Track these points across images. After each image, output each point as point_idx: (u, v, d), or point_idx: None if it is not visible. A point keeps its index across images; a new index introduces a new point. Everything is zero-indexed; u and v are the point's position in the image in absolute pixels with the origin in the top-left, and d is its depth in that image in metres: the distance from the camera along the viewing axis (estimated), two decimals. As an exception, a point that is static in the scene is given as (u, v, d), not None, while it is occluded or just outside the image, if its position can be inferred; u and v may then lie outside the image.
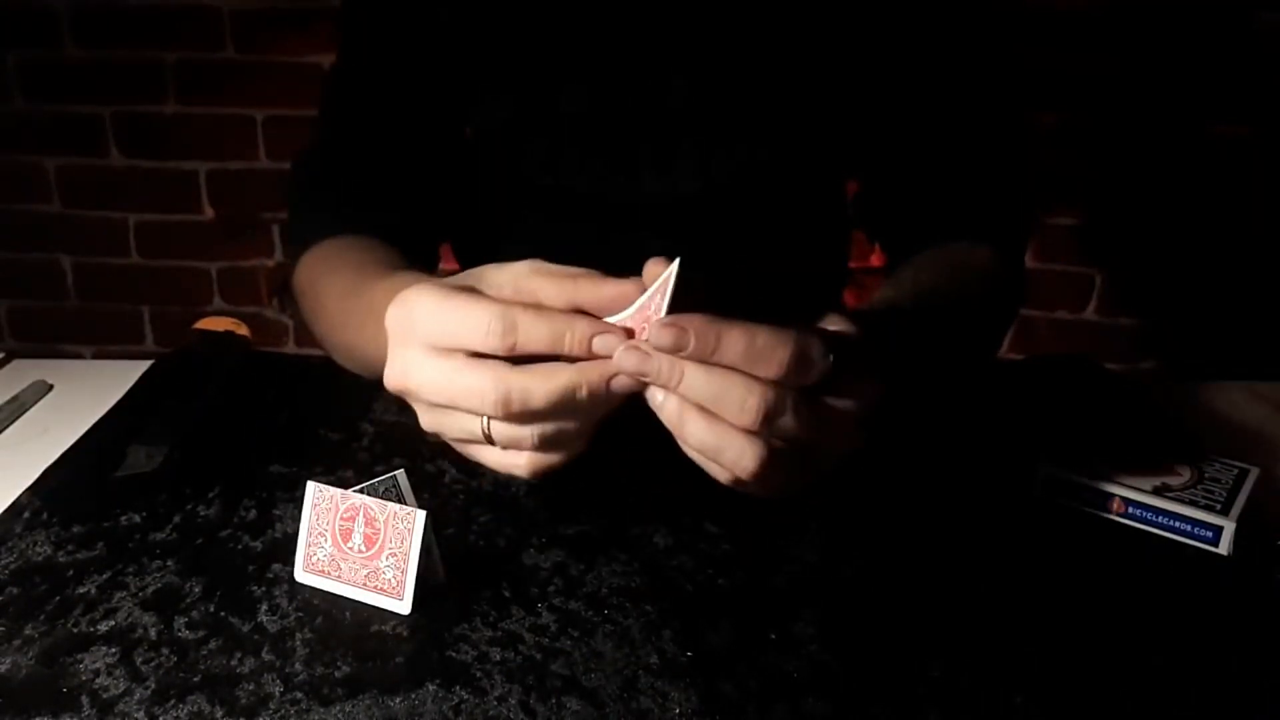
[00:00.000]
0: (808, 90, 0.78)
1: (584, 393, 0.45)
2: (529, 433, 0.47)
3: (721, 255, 0.81)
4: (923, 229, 0.80)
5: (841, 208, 0.92)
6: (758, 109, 0.78)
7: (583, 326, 0.45)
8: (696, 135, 0.78)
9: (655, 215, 0.80)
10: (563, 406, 0.46)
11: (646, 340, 0.45)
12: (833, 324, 0.48)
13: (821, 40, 0.77)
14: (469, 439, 0.49)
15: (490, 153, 0.81)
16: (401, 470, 0.53)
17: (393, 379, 0.49)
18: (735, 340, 0.44)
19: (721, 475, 0.47)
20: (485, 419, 0.47)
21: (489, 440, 0.48)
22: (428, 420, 0.50)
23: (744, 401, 0.44)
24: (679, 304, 0.45)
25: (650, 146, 0.79)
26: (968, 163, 0.80)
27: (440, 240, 0.87)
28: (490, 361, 0.46)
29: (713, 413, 0.45)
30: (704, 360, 0.44)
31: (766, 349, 0.44)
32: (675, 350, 0.44)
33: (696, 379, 0.44)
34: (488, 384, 0.45)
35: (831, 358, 0.45)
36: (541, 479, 0.50)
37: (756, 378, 0.44)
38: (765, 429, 0.44)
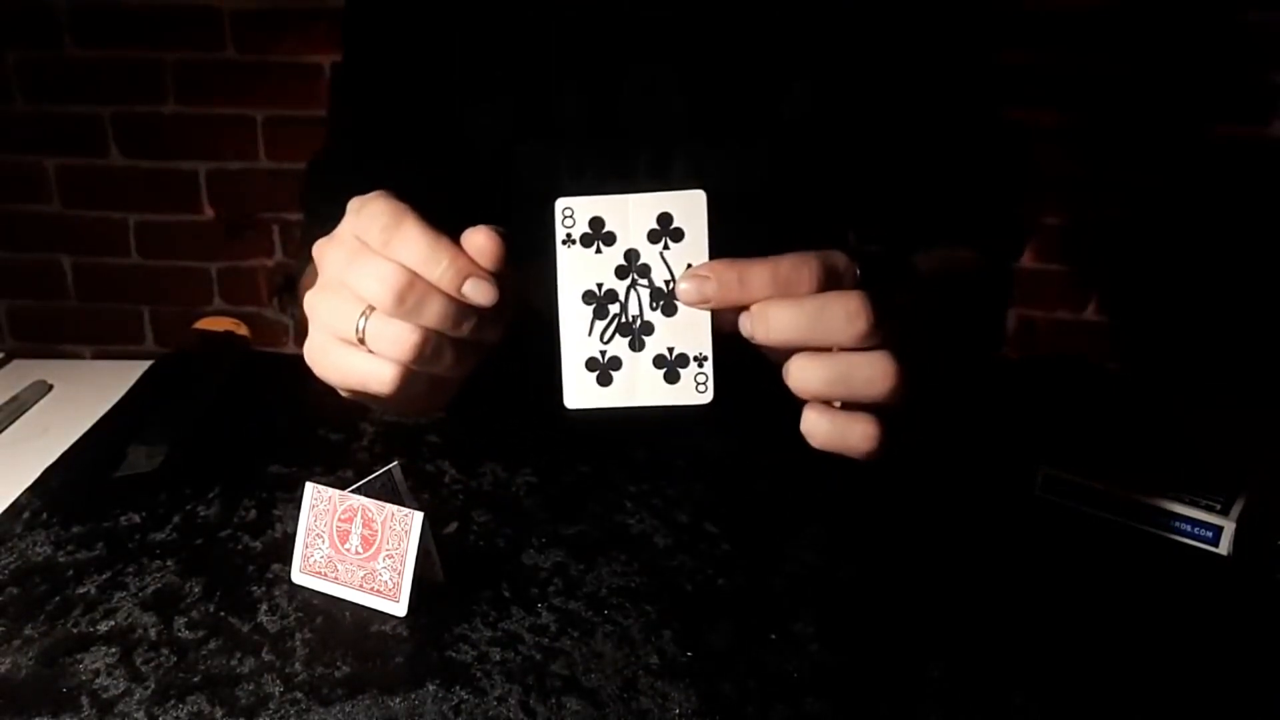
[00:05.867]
0: (801, 98, 0.78)
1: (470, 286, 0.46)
2: (410, 332, 0.47)
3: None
4: (912, 237, 0.80)
5: (841, 218, 0.92)
6: (752, 116, 0.78)
7: (458, 270, 0.46)
8: (692, 142, 0.78)
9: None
10: (453, 310, 0.47)
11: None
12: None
13: (816, 49, 0.78)
14: (340, 336, 0.49)
15: (489, 159, 0.81)
16: (396, 464, 0.53)
17: (321, 241, 0.50)
18: (759, 273, 0.45)
19: (864, 440, 0.47)
20: (365, 315, 0.47)
21: (361, 341, 0.48)
22: (310, 301, 0.50)
23: (848, 309, 0.45)
24: None
25: (646, 153, 0.79)
26: (960, 173, 0.80)
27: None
28: None
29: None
30: (731, 301, 0.45)
31: (793, 270, 0.45)
32: (701, 301, 0.45)
33: (783, 315, 0.45)
34: (388, 266, 0.46)
35: (857, 267, 0.46)
36: (400, 403, 0.49)
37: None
38: (878, 335, 0.45)
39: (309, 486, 0.51)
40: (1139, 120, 1.67)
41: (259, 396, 0.73)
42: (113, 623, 0.49)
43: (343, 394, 0.52)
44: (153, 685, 0.46)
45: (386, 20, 0.80)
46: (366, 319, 0.47)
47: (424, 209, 0.49)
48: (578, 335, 0.47)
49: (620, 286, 0.47)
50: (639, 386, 0.47)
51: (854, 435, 0.46)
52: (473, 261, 0.47)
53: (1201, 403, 0.75)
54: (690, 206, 0.47)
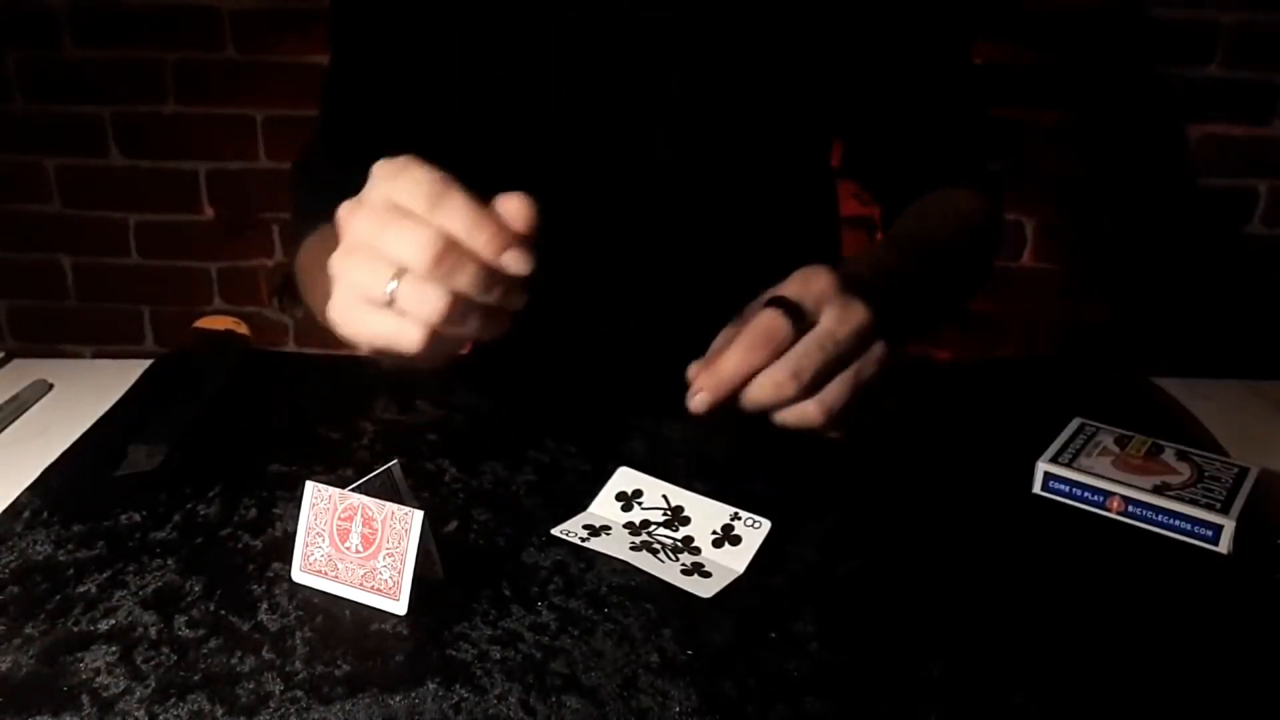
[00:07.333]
0: (777, 53, 0.79)
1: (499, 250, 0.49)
2: (441, 296, 0.48)
3: (702, 228, 0.82)
4: (905, 179, 0.84)
5: (827, 190, 0.93)
6: (730, 73, 0.78)
7: (499, 239, 0.48)
8: (672, 100, 0.79)
9: (636, 185, 0.80)
10: (484, 276, 0.49)
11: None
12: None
13: (813, 47, 0.78)
14: (368, 297, 0.50)
15: (474, 132, 0.81)
16: (396, 462, 0.53)
17: (348, 204, 0.51)
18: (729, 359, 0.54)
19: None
20: (397, 278, 0.48)
21: (389, 304, 0.49)
22: (338, 265, 0.51)
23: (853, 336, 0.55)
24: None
25: (628, 115, 0.79)
26: (936, 112, 0.83)
27: None
28: None
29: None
30: (737, 386, 0.54)
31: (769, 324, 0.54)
32: (714, 405, 0.54)
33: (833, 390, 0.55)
34: (429, 231, 0.48)
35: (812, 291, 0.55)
36: (427, 360, 0.51)
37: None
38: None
39: (309, 485, 0.51)
40: (1139, 120, 1.67)
41: (259, 396, 0.73)
42: (113, 621, 0.50)
43: (363, 350, 0.53)
44: (153, 684, 0.46)
45: (384, 19, 0.80)
46: (398, 281, 0.48)
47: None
48: (659, 569, 0.53)
49: (642, 548, 0.55)
50: (730, 563, 0.54)
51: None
52: (511, 233, 0.49)
53: (1201, 401, 0.75)
54: (609, 500, 0.58)
